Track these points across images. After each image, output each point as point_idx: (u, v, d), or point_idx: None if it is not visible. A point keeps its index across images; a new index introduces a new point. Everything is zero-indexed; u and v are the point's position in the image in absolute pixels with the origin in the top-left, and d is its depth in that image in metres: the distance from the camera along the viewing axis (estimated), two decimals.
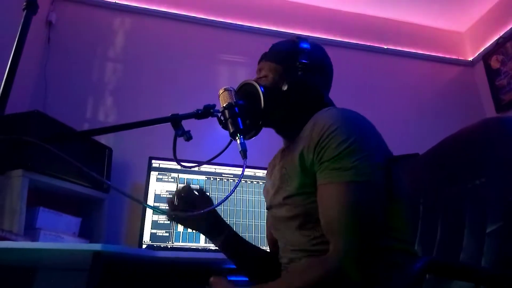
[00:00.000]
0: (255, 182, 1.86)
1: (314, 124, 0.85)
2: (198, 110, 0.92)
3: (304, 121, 0.95)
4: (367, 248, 0.74)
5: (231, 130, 0.89)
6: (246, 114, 0.93)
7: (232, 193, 0.80)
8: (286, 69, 0.98)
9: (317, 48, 1.04)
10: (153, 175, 1.78)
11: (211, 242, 1.67)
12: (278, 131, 1.03)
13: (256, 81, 0.98)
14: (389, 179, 0.82)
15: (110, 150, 1.79)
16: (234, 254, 1.05)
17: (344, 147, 0.78)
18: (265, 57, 1.03)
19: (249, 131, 0.97)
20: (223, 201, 0.79)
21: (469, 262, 0.89)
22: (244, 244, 1.06)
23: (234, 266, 1.56)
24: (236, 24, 2.48)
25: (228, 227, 1.05)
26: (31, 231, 1.39)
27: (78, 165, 0.69)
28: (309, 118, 0.94)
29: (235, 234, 1.06)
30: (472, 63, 2.86)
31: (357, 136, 0.80)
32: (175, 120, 0.88)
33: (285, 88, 0.94)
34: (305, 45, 1.01)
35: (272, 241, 1.08)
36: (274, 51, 1.03)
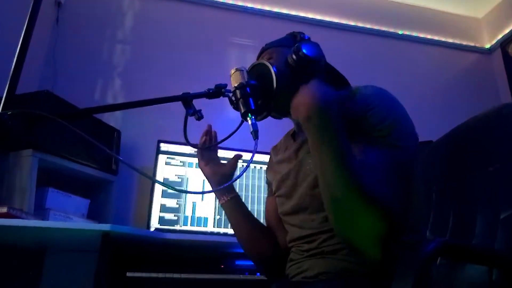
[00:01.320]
0: (264, 168, 1.85)
1: (358, 99, 0.86)
2: (209, 89, 0.90)
3: None
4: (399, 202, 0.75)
5: (243, 110, 0.87)
6: (258, 95, 0.91)
7: (246, 169, 0.79)
8: (290, 47, 0.97)
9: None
10: (162, 158, 1.78)
11: (220, 227, 1.70)
12: (287, 114, 1.01)
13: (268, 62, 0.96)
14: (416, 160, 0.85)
15: (119, 132, 1.79)
16: (238, 214, 1.05)
17: (386, 123, 0.81)
18: (265, 48, 1.05)
19: (261, 112, 0.96)
20: (238, 177, 0.78)
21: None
22: (247, 210, 1.07)
23: (241, 251, 1.57)
24: (246, 6, 2.44)
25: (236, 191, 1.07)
26: (40, 211, 1.40)
27: (92, 141, 0.69)
28: None
29: (241, 199, 1.07)
30: (489, 51, 2.79)
31: (397, 113, 0.85)
32: (186, 99, 0.87)
33: (292, 61, 0.93)
34: (298, 31, 1.05)
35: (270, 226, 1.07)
36: (275, 40, 1.05)
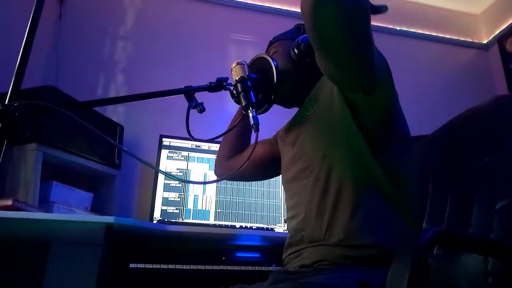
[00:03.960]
0: None
1: None
2: (211, 83, 0.92)
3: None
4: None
5: (244, 104, 0.89)
6: (258, 88, 0.93)
7: (247, 161, 0.81)
8: (296, 41, 0.99)
9: None
10: (164, 153, 1.80)
11: (220, 220, 1.72)
12: (289, 105, 1.04)
13: (269, 55, 0.98)
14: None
15: (122, 127, 1.81)
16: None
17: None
18: (272, 41, 1.07)
19: (262, 105, 0.98)
20: (238, 169, 0.80)
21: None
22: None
23: (241, 243, 1.60)
24: (246, 3, 2.45)
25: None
26: (45, 204, 1.42)
27: (98, 133, 0.70)
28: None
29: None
30: (486, 46, 2.80)
31: None
32: (189, 92, 0.88)
33: (294, 55, 0.95)
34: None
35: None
36: (281, 33, 1.07)
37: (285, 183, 1.01)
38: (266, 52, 1.07)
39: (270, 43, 1.07)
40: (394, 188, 0.85)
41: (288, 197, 0.99)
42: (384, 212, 0.82)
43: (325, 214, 0.84)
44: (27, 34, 0.77)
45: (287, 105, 1.04)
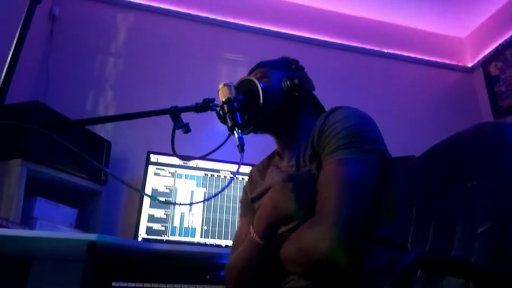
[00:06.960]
0: None
1: (324, 118, 0.89)
2: (197, 103, 0.94)
3: (300, 120, 1.00)
4: (359, 228, 0.76)
5: (230, 124, 0.91)
6: (244, 109, 0.95)
7: (232, 180, 0.81)
8: (283, 72, 1.04)
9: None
10: (151, 169, 1.79)
11: (207, 237, 1.71)
12: (275, 132, 1.06)
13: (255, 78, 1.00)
14: (386, 172, 0.86)
15: (109, 143, 1.80)
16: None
17: (345, 133, 0.83)
18: (258, 65, 1.09)
19: (247, 126, 0.99)
20: (225, 187, 0.81)
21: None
22: None
23: (227, 261, 1.58)
24: (237, 23, 2.49)
25: None
26: (28, 220, 1.40)
27: (79, 153, 0.70)
28: (304, 117, 0.98)
29: None
30: (471, 70, 2.88)
31: (359, 126, 0.85)
32: (174, 113, 0.90)
33: (286, 86, 0.99)
34: (293, 58, 1.10)
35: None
36: (268, 60, 1.10)
37: None
38: (252, 73, 1.09)
39: (258, 66, 1.08)
40: (386, 211, 0.86)
41: None
42: (376, 239, 0.83)
43: None
44: (13, 50, 0.77)
45: (269, 129, 1.06)
